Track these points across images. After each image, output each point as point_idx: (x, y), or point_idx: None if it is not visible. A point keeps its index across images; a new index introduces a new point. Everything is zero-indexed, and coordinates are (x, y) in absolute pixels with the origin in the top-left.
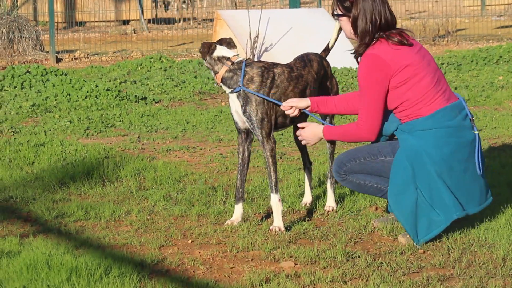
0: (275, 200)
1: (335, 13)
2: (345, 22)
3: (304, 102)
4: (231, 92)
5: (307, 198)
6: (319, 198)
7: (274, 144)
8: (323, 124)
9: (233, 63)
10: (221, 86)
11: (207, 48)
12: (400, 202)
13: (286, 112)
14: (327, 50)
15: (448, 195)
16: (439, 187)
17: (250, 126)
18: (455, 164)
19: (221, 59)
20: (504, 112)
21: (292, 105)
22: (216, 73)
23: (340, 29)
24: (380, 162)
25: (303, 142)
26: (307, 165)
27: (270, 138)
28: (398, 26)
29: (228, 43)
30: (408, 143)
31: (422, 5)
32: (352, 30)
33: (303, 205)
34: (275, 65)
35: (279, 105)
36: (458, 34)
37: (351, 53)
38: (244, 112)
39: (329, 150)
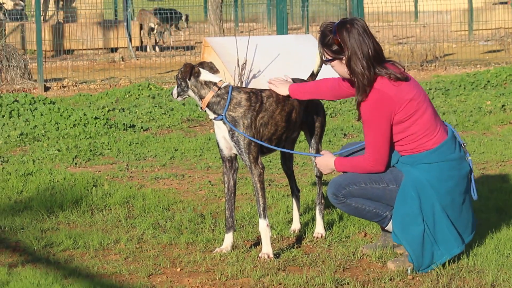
0: (263, 226)
1: (324, 59)
2: (337, 65)
3: (284, 89)
4: (215, 119)
5: (296, 225)
6: (308, 224)
7: (263, 170)
8: (316, 156)
9: (219, 88)
10: (205, 111)
11: (190, 69)
12: (409, 233)
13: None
14: (313, 75)
15: (451, 230)
16: (442, 221)
17: (238, 152)
18: (456, 196)
19: (208, 84)
20: (492, 137)
21: (272, 88)
22: (202, 97)
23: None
24: (382, 189)
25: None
26: (295, 192)
27: (258, 163)
28: (386, 51)
29: (210, 67)
30: (413, 175)
31: (410, 30)
32: (347, 71)
33: (292, 232)
34: (262, 90)
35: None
36: (445, 59)
37: (356, 102)
38: (232, 137)
39: (317, 174)
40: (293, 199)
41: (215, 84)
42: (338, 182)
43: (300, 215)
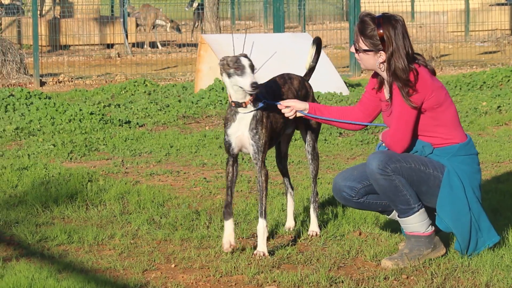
0: (262, 225)
1: (363, 48)
2: (370, 57)
3: (302, 105)
4: (257, 109)
5: (290, 222)
6: (302, 223)
7: (267, 170)
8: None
9: None
10: (241, 106)
11: None
12: (460, 220)
13: (283, 111)
14: (308, 74)
15: (487, 218)
16: (481, 210)
17: (254, 150)
18: (480, 190)
19: None
20: (488, 138)
21: (290, 105)
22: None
23: (317, 54)
24: (428, 173)
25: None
26: (290, 190)
27: (265, 164)
28: None
29: None
30: (454, 165)
31: None
32: (380, 64)
33: (287, 230)
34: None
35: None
36: (442, 60)
37: (389, 83)
38: (256, 134)
39: (312, 174)
40: (288, 197)
41: None
42: (388, 156)
43: (294, 213)
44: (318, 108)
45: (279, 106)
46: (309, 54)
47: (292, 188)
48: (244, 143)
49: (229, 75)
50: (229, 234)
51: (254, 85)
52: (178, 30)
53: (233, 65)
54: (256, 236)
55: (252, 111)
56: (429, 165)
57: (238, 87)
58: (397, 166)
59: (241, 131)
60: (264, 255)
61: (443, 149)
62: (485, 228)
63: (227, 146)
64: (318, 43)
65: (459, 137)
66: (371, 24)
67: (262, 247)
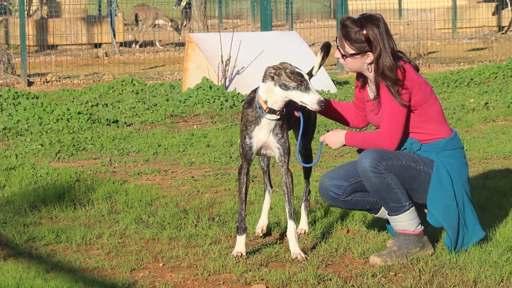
0: (293, 228)
1: (349, 52)
2: (358, 59)
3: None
4: (282, 115)
5: (264, 221)
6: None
7: (291, 172)
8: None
9: None
10: (278, 114)
11: None
12: (449, 215)
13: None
14: (309, 75)
15: (475, 214)
16: (469, 205)
17: (280, 152)
18: (469, 184)
19: None
20: (475, 135)
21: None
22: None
23: (323, 59)
24: (418, 170)
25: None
26: (268, 188)
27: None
28: None
29: None
30: (442, 160)
31: (394, 28)
32: (367, 65)
33: (260, 231)
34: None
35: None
36: (429, 57)
37: (376, 82)
38: (282, 137)
39: (305, 174)
40: (266, 195)
41: None
42: (380, 153)
43: (268, 212)
44: (331, 105)
45: (296, 114)
46: (318, 58)
47: (271, 186)
48: (268, 146)
49: (286, 88)
50: (241, 248)
51: (322, 103)
52: (178, 30)
53: (294, 79)
54: (287, 239)
55: (279, 118)
56: (419, 161)
57: (287, 99)
58: (389, 164)
59: (265, 135)
60: (302, 256)
61: (430, 145)
62: (470, 223)
63: (247, 149)
64: (326, 49)
65: (445, 132)
66: (354, 27)
67: (297, 249)
